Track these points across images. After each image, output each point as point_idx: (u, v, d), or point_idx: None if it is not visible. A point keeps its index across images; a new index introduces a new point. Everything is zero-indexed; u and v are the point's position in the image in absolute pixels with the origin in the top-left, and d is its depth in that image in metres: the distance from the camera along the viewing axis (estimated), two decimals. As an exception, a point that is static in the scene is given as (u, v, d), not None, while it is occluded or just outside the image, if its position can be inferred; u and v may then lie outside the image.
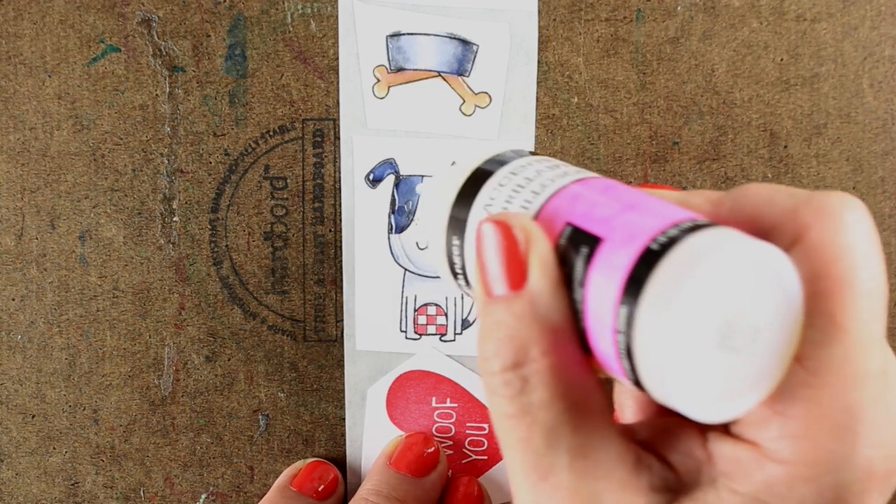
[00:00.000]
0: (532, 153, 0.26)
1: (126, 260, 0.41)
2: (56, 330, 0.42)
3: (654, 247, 0.20)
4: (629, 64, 0.40)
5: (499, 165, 0.25)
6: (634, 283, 0.20)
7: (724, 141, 0.40)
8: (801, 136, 0.40)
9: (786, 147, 0.41)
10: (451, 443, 0.42)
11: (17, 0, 0.41)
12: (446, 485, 0.41)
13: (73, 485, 0.42)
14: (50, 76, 0.41)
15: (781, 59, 0.40)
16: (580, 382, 0.22)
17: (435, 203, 0.25)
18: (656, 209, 0.22)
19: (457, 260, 0.25)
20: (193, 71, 0.41)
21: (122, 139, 0.41)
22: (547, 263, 0.22)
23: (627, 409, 0.27)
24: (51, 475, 0.42)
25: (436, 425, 0.42)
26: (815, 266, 0.21)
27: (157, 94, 0.41)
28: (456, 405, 0.42)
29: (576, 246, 0.22)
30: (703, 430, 0.23)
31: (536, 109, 0.41)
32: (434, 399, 0.42)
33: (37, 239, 0.41)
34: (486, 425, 0.42)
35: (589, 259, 0.21)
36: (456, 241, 0.25)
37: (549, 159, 0.25)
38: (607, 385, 0.24)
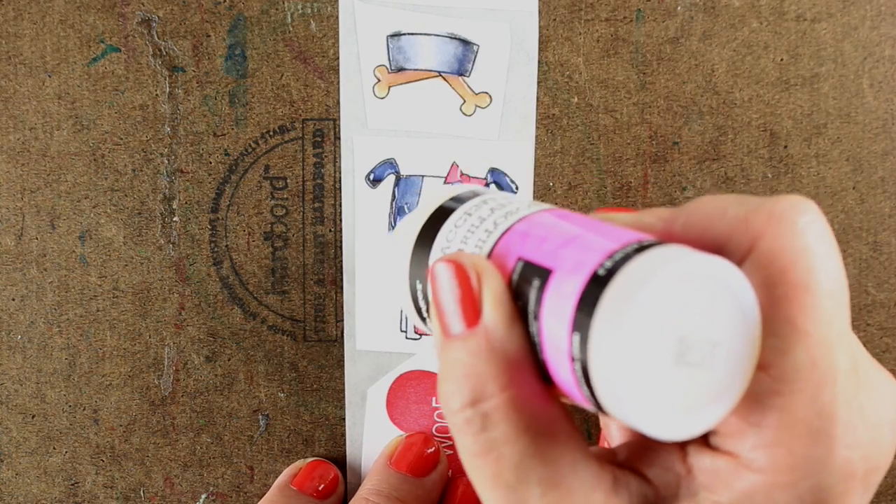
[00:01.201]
0: (482, 192, 0.26)
1: (126, 260, 0.41)
2: (56, 330, 0.42)
3: (601, 272, 0.20)
4: (629, 64, 0.40)
5: (455, 205, 0.25)
6: (585, 309, 0.20)
7: (724, 141, 0.40)
8: (801, 136, 0.40)
9: (786, 147, 0.41)
10: (451, 443, 0.42)
11: (17, 0, 0.41)
12: (446, 485, 0.41)
13: (73, 485, 0.42)
14: (50, 76, 0.41)
15: (781, 59, 0.40)
16: (543, 413, 0.22)
17: (397, 247, 0.26)
18: (604, 234, 0.22)
19: (422, 303, 0.25)
20: (193, 71, 0.41)
21: (122, 139, 0.41)
22: (500, 298, 0.22)
23: (614, 431, 0.27)
24: (51, 475, 0.42)
25: (436, 425, 0.42)
26: (772, 272, 0.21)
27: (157, 94, 0.41)
28: (456, 405, 0.42)
29: (528, 279, 0.22)
30: (683, 444, 0.23)
31: (536, 109, 0.41)
32: (434, 399, 0.42)
33: (37, 239, 0.41)
34: (486, 425, 0.42)
35: (541, 291, 0.22)
36: (419, 285, 0.25)
37: (504, 195, 0.26)
38: (589, 414, 0.24)
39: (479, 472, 0.22)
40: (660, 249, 0.21)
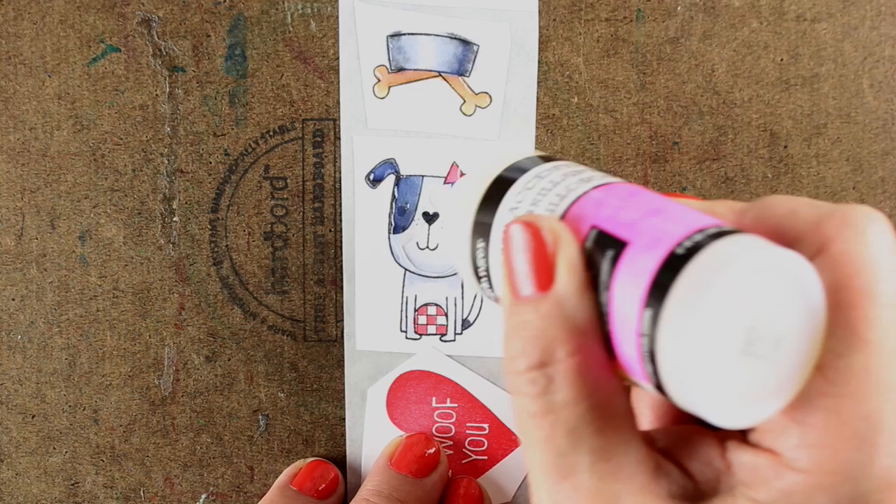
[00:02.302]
0: (553, 157, 0.26)
1: (126, 260, 0.41)
2: (56, 330, 0.42)
3: (680, 251, 0.20)
4: (629, 64, 0.40)
5: (521, 171, 0.25)
6: (659, 287, 0.20)
7: (724, 141, 0.40)
8: (801, 136, 0.40)
9: (786, 147, 0.41)
10: (451, 443, 0.42)
11: (17, 0, 0.41)
12: (447, 485, 0.41)
13: (73, 485, 0.42)
14: (50, 76, 0.41)
15: (781, 59, 0.40)
16: (604, 384, 0.22)
17: (458, 207, 0.25)
18: (682, 215, 0.22)
19: (481, 263, 0.25)
20: (193, 71, 0.41)
21: (122, 139, 0.41)
22: (574, 265, 0.22)
23: (644, 416, 0.27)
24: (51, 475, 0.42)
25: (436, 425, 0.42)
26: (838, 277, 0.21)
27: (157, 94, 0.41)
28: (456, 405, 0.42)
29: (601, 249, 0.22)
30: (722, 438, 0.23)
31: (536, 109, 0.41)
32: (434, 399, 0.42)
33: (37, 239, 0.41)
34: (486, 425, 0.42)
35: (614, 262, 0.21)
36: (480, 244, 0.25)
37: (574, 164, 0.25)
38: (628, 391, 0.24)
39: (532, 432, 0.22)
40: (740, 237, 0.21)
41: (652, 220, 0.22)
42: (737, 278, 0.19)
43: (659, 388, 0.21)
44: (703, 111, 0.40)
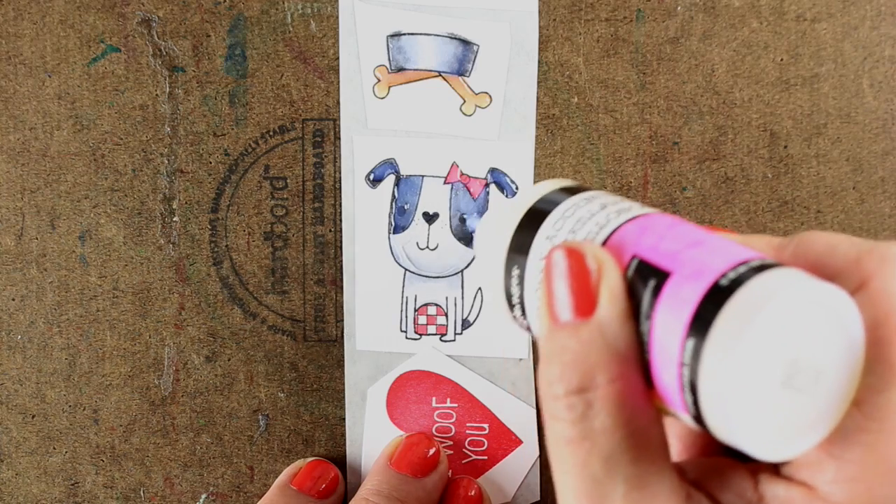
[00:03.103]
0: (588, 188, 0.26)
1: (126, 260, 0.41)
2: (56, 330, 0.42)
3: (723, 283, 0.20)
4: (629, 64, 0.40)
5: (555, 203, 0.25)
6: (702, 319, 0.20)
7: (724, 141, 0.40)
8: (801, 136, 0.40)
9: (786, 147, 0.41)
10: (451, 443, 0.42)
11: (17, 0, 0.41)
12: (447, 485, 0.41)
13: (73, 485, 0.42)
14: (50, 76, 0.41)
15: (781, 59, 0.40)
16: (642, 413, 0.22)
17: (492, 235, 0.26)
18: (724, 247, 0.22)
19: (515, 290, 0.25)
20: (193, 71, 0.41)
21: (122, 139, 0.41)
22: (617, 293, 0.22)
23: (672, 447, 0.27)
24: (51, 475, 0.42)
25: (436, 425, 0.42)
26: (877, 313, 0.21)
27: (157, 94, 0.41)
28: (456, 405, 0.42)
29: (643, 278, 0.22)
30: (754, 471, 0.23)
31: (536, 109, 0.41)
32: (434, 399, 0.42)
33: (37, 239, 0.41)
34: (485, 425, 0.42)
35: (656, 292, 0.22)
36: (515, 272, 0.25)
37: (610, 194, 0.26)
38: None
39: (567, 459, 0.22)
40: (783, 271, 0.21)
41: (694, 251, 0.22)
42: (780, 311, 0.20)
43: (697, 419, 0.21)
44: (703, 111, 0.40)
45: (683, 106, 0.40)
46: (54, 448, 0.42)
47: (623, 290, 0.22)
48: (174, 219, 0.41)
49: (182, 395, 0.42)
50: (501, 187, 0.41)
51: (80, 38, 0.41)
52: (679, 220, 0.24)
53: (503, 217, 0.26)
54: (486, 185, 0.41)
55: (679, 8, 0.40)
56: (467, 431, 0.42)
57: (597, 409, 0.22)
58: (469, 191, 0.41)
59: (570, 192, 0.26)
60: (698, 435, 0.26)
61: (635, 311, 0.22)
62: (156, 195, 0.41)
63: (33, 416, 0.42)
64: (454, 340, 0.42)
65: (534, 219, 0.25)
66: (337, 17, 0.40)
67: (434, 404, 0.42)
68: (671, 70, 0.40)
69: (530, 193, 0.26)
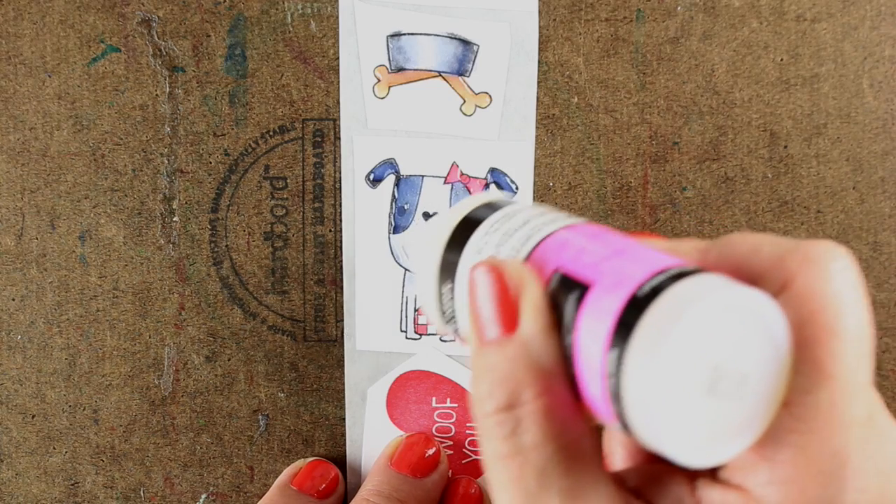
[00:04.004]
0: (514, 202, 0.26)
1: (126, 260, 0.41)
2: (56, 330, 0.42)
3: (643, 292, 0.20)
4: (629, 64, 0.40)
5: (486, 213, 0.25)
6: (623, 329, 0.20)
7: (724, 141, 0.41)
8: (801, 136, 0.40)
9: (786, 147, 0.41)
10: (451, 443, 0.42)
11: (17, 0, 0.41)
12: (447, 485, 0.41)
13: (73, 485, 0.42)
14: (50, 76, 0.41)
15: (781, 59, 0.40)
16: (572, 425, 0.22)
17: (425, 249, 0.26)
18: (644, 256, 0.22)
19: (447, 305, 0.25)
20: (193, 71, 0.41)
21: (122, 139, 0.41)
22: (539, 308, 0.22)
23: (617, 455, 0.27)
24: (51, 475, 0.42)
25: (436, 425, 0.42)
26: (802, 314, 0.21)
27: (157, 94, 0.41)
28: (456, 405, 0.42)
29: (565, 291, 0.22)
30: (692, 476, 0.23)
31: (536, 109, 0.41)
32: (434, 399, 0.42)
33: (37, 239, 0.41)
34: (486, 425, 0.42)
35: (578, 304, 0.22)
36: (447, 286, 0.25)
37: (538, 206, 0.26)
38: (597, 432, 0.25)
39: (501, 475, 0.22)
40: (702, 277, 0.21)
41: (614, 261, 0.22)
42: (699, 318, 0.20)
43: (625, 427, 0.21)
44: (703, 111, 0.40)
45: (683, 106, 0.40)
46: (54, 448, 0.42)
47: (544, 304, 0.22)
48: (174, 219, 0.41)
49: (182, 395, 0.42)
50: (501, 187, 0.41)
51: (80, 38, 0.41)
52: (603, 229, 0.24)
53: (433, 233, 0.26)
54: (486, 185, 0.41)
55: (679, 8, 0.40)
56: (467, 431, 0.42)
57: (526, 424, 0.22)
58: (469, 191, 0.41)
59: (497, 206, 0.26)
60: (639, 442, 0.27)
61: (560, 324, 0.22)
62: (156, 195, 0.41)
63: (33, 416, 0.42)
64: (454, 340, 0.42)
65: (463, 232, 0.25)
66: (337, 17, 0.40)
67: (434, 404, 0.42)
68: (671, 70, 0.40)
69: (458, 209, 0.26)
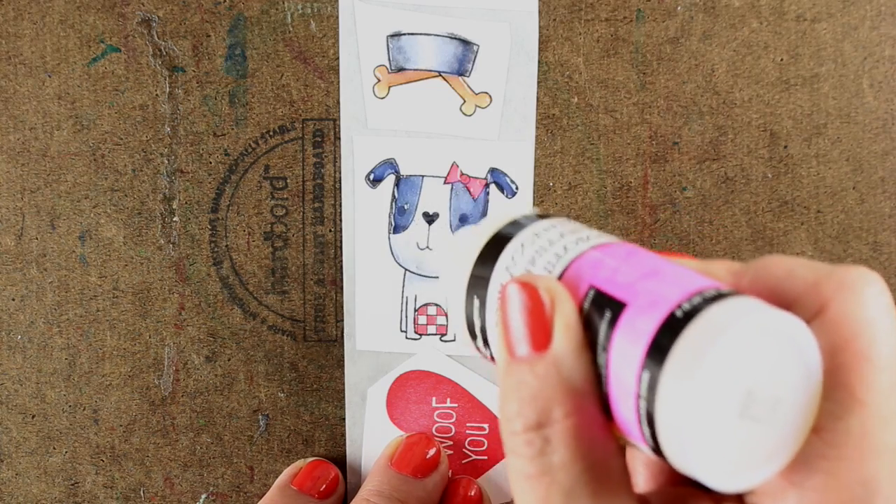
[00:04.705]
0: (550, 215, 0.26)
1: (126, 260, 0.41)
2: (56, 330, 0.42)
3: (679, 314, 0.20)
4: (629, 64, 0.40)
5: (518, 229, 0.25)
6: (658, 350, 0.20)
7: (724, 141, 0.41)
8: (801, 136, 0.40)
9: (786, 147, 0.41)
10: (451, 443, 0.42)
11: (17, 0, 0.41)
12: (447, 485, 0.41)
13: (73, 485, 0.42)
14: (50, 76, 0.41)
15: (781, 59, 0.40)
16: (601, 446, 0.22)
17: (455, 263, 0.25)
18: (679, 276, 0.22)
19: (476, 321, 0.25)
20: (193, 71, 0.41)
21: (122, 139, 0.41)
22: (572, 326, 0.22)
23: (640, 476, 0.27)
24: (51, 475, 0.42)
25: (436, 425, 0.42)
26: (836, 339, 0.21)
27: (157, 94, 0.41)
28: (456, 405, 0.42)
29: (599, 310, 0.22)
30: (718, 500, 0.23)
31: (536, 109, 0.41)
32: (434, 399, 0.42)
33: (37, 239, 0.41)
34: (486, 425, 0.42)
35: (613, 323, 0.21)
36: (476, 302, 0.25)
37: (571, 222, 0.25)
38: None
39: (528, 494, 0.22)
40: (738, 300, 0.21)
41: (650, 281, 0.22)
42: (735, 341, 0.20)
43: (656, 450, 0.21)
44: (703, 111, 0.40)
45: (683, 106, 0.40)
46: (54, 448, 0.42)
47: (577, 322, 0.22)
48: (174, 219, 0.41)
49: (182, 395, 0.42)
50: (501, 187, 0.41)
51: (80, 38, 0.41)
52: (637, 248, 0.24)
53: (464, 246, 0.25)
54: (486, 185, 0.41)
55: (679, 8, 0.40)
56: (467, 431, 0.42)
57: (554, 444, 0.22)
58: (469, 191, 0.41)
59: (532, 220, 0.25)
60: (664, 464, 0.26)
61: (593, 343, 0.22)
62: (156, 195, 0.41)
63: (33, 416, 0.42)
64: (454, 340, 0.42)
65: (494, 248, 0.25)
66: (337, 17, 0.40)
67: (434, 404, 0.42)
68: (671, 70, 0.40)
69: (492, 222, 0.26)
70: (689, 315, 0.20)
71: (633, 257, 0.23)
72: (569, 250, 0.24)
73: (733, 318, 0.20)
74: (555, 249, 0.24)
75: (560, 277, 0.23)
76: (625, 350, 0.21)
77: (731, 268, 0.24)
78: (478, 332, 0.25)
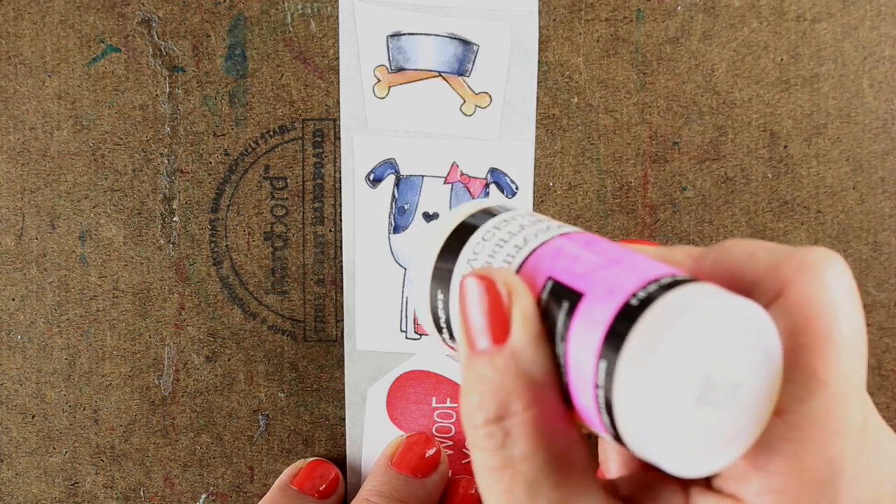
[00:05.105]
0: (510, 208, 0.26)
1: (126, 260, 0.41)
2: (56, 330, 0.42)
3: (634, 302, 0.20)
4: (629, 64, 0.40)
5: (484, 219, 0.25)
6: (614, 338, 0.20)
7: (724, 141, 0.41)
8: (801, 136, 0.40)
9: (786, 147, 0.41)
10: (451, 443, 0.42)
11: (17, 0, 0.41)
12: (447, 485, 0.41)
13: (73, 485, 0.42)
14: (50, 76, 0.41)
15: (781, 59, 0.40)
16: (562, 436, 0.22)
17: (419, 257, 0.26)
18: (637, 264, 0.22)
19: (441, 314, 0.25)
20: (193, 71, 0.41)
21: (122, 139, 0.41)
22: (529, 317, 0.22)
23: (612, 463, 0.27)
24: (51, 475, 0.42)
25: (436, 425, 0.42)
26: (797, 321, 0.21)
27: (157, 94, 0.41)
28: (456, 405, 0.42)
29: (557, 300, 0.22)
30: (686, 484, 0.23)
31: (536, 109, 0.41)
32: (434, 399, 0.42)
33: (37, 239, 0.41)
34: (486, 425, 0.42)
35: (570, 313, 0.22)
36: (440, 295, 0.25)
37: (533, 214, 0.26)
38: (591, 440, 0.25)
39: (492, 487, 0.22)
40: (693, 286, 0.21)
41: (607, 270, 0.22)
42: (690, 328, 0.20)
43: (617, 437, 0.21)
44: (703, 111, 0.40)
45: (683, 106, 0.40)
46: (54, 448, 0.42)
47: (535, 314, 0.22)
48: (174, 219, 0.41)
49: (182, 395, 0.42)
50: (501, 187, 0.41)
51: (80, 38, 0.41)
52: (596, 238, 0.24)
53: (427, 241, 0.26)
54: (486, 186, 0.41)
55: (679, 8, 0.40)
56: (467, 431, 0.42)
57: (515, 436, 0.22)
58: (469, 191, 0.41)
59: (492, 213, 0.25)
60: None
61: (551, 334, 0.22)
62: (156, 195, 0.41)
63: (33, 416, 0.42)
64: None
65: (457, 240, 0.25)
66: (337, 17, 0.40)
67: (434, 404, 0.42)
68: (671, 70, 0.40)
69: (452, 216, 0.26)
70: (645, 303, 0.20)
71: (593, 247, 0.23)
72: (528, 242, 0.24)
73: (689, 304, 0.20)
74: (514, 241, 0.24)
75: (519, 269, 0.23)
76: (582, 339, 0.21)
77: (692, 252, 0.24)
78: (443, 325, 0.25)
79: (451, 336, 0.25)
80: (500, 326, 0.22)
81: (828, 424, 0.21)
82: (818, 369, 0.21)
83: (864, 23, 0.40)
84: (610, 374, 0.20)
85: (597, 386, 0.21)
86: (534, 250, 0.23)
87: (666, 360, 0.19)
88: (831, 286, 0.22)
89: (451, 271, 0.25)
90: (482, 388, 0.22)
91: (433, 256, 0.25)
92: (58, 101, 0.41)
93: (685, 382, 0.20)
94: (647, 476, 0.24)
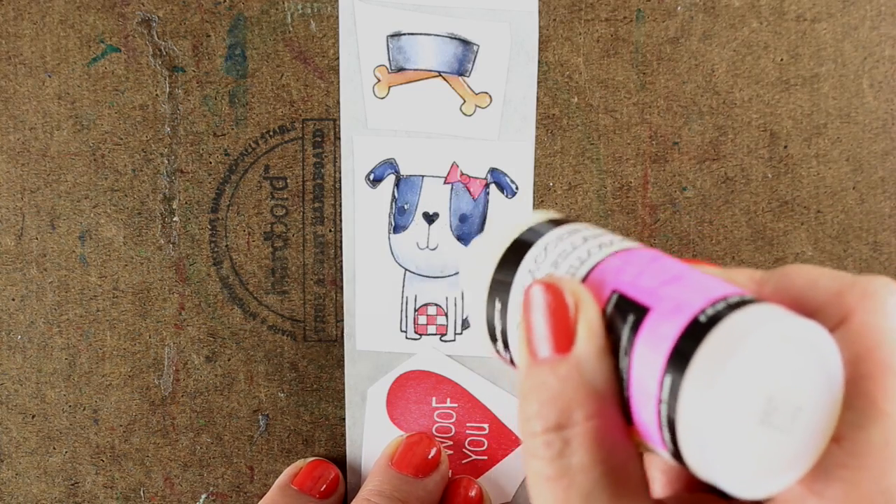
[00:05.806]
0: (569, 220, 0.26)
1: (126, 260, 0.41)
2: (56, 330, 0.42)
3: (702, 319, 0.20)
4: (629, 64, 0.40)
5: (537, 235, 0.25)
6: (680, 356, 0.20)
7: (724, 141, 0.41)
8: (801, 136, 0.40)
9: (786, 147, 0.41)
10: (451, 443, 0.42)
11: (17, 0, 0.41)
12: (447, 485, 0.41)
13: (73, 485, 0.42)
14: (50, 76, 0.41)
15: (781, 59, 0.40)
16: (621, 450, 0.22)
17: (476, 266, 0.25)
18: (703, 282, 0.22)
19: (497, 324, 0.25)
20: (193, 71, 0.41)
21: (122, 139, 0.41)
22: (595, 329, 0.22)
23: (657, 483, 0.27)
24: (51, 475, 0.42)
25: (436, 425, 0.42)
26: (859, 349, 0.21)
27: (157, 94, 0.41)
28: (456, 405, 0.42)
29: (622, 314, 0.22)
30: None
31: (536, 109, 0.41)
32: (434, 399, 0.42)
33: (37, 239, 0.41)
34: (485, 425, 0.42)
35: (635, 328, 0.21)
36: (498, 305, 0.25)
37: (592, 227, 0.25)
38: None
39: (546, 496, 0.22)
40: (762, 307, 0.21)
41: (673, 287, 0.22)
42: (758, 348, 0.20)
43: (676, 455, 0.21)
44: (703, 111, 0.40)
45: (683, 106, 0.40)
46: (54, 448, 0.42)
47: (601, 325, 0.22)
48: (174, 219, 0.41)
49: (182, 395, 0.42)
50: (501, 187, 0.41)
51: (80, 38, 0.41)
52: (660, 254, 0.24)
53: (486, 248, 0.26)
54: (486, 185, 0.41)
55: (679, 8, 0.40)
56: (467, 431, 0.42)
57: (574, 446, 0.21)
58: (469, 191, 0.41)
59: (555, 223, 0.25)
60: (682, 470, 0.26)
61: (615, 347, 0.22)
62: (156, 195, 0.41)
63: (33, 416, 0.42)
64: (454, 340, 0.42)
65: (516, 251, 0.25)
66: (337, 17, 0.40)
67: (434, 404, 0.42)
68: (671, 70, 0.40)
69: (514, 225, 0.26)
70: (713, 321, 0.20)
71: (657, 263, 0.23)
72: (592, 255, 0.24)
73: (755, 324, 0.20)
74: (578, 254, 0.24)
75: (584, 281, 0.23)
76: (647, 355, 0.21)
77: (754, 276, 0.24)
78: (498, 336, 0.25)
79: (506, 346, 0.25)
80: (564, 336, 0.22)
81: (886, 453, 0.21)
82: (878, 398, 0.21)
83: (864, 23, 0.40)
84: (675, 390, 0.20)
85: (660, 401, 0.21)
86: (598, 263, 0.23)
87: (732, 380, 0.19)
88: (894, 315, 0.22)
89: (510, 282, 0.25)
90: (542, 397, 0.22)
91: (492, 265, 0.25)
92: (58, 101, 0.41)
93: (750, 403, 0.20)
94: (695, 497, 0.24)
